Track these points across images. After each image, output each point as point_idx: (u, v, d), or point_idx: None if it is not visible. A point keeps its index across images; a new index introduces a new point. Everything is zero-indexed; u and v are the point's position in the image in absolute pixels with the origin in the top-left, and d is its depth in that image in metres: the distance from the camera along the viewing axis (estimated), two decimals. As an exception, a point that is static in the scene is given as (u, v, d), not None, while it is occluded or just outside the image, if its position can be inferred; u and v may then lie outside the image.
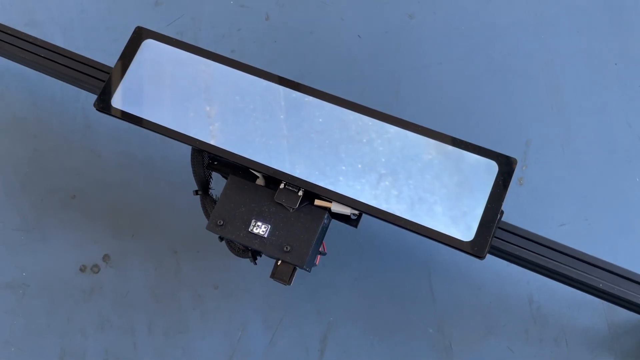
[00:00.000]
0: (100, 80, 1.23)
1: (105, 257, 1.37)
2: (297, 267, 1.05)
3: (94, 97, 1.15)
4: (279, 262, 1.05)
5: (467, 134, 1.38)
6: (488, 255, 1.00)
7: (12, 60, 1.35)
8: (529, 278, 1.27)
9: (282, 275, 1.05)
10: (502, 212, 1.02)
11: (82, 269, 1.37)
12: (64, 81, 1.32)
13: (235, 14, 1.53)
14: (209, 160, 1.14)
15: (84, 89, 1.29)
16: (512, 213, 1.22)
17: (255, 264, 1.15)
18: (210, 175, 1.17)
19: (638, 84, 1.40)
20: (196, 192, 1.17)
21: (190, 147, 1.10)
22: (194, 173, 1.15)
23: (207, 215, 1.16)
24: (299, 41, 1.50)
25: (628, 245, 1.29)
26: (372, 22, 1.50)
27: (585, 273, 1.06)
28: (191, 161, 1.13)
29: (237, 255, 1.15)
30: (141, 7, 1.55)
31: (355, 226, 1.07)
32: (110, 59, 1.41)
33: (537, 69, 1.43)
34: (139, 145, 1.44)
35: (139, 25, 1.16)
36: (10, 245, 1.39)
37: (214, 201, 1.16)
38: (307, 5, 1.52)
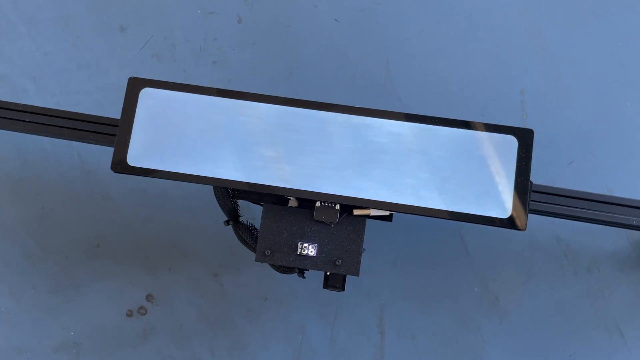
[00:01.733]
0: (100, 134, 1.20)
1: (149, 297, 1.39)
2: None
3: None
4: (328, 273, 1.09)
5: (463, 95, 1.44)
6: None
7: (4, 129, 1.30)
8: (552, 219, 1.36)
9: (335, 283, 1.09)
10: (532, 183, 1.07)
11: (129, 314, 1.38)
12: (63, 139, 1.29)
13: (206, 23, 1.49)
14: (233, 190, 1.14)
15: (85, 142, 1.26)
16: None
17: (304, 277, 1.17)
18: (237, 203, 1.17)
19: (611, 11, 1.46)
20: (227, 223, 1.17)
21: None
22: (220, 205, 1.14)
23: (244, 243, 1.17)
24: (278, 38, 1.48)
25: (634, 167, 1.39)
26: (345, 3, 1.49)
27: (605, 212, 1.13)
28: (215, 195, 1.13)
29: (284, 273, 1.16)
30: (107, 36, 1.49)
31: (390, 220, 1.11)
32: (91, 99, 1.38)
33: (515, 17, 1.47)
34: (147, 180, 1.42)
35: (132, 76, 1.11)
36: (49, 309, 1.39)
37: (248, 227, 1.17)
38: (276, -1, 1.50)
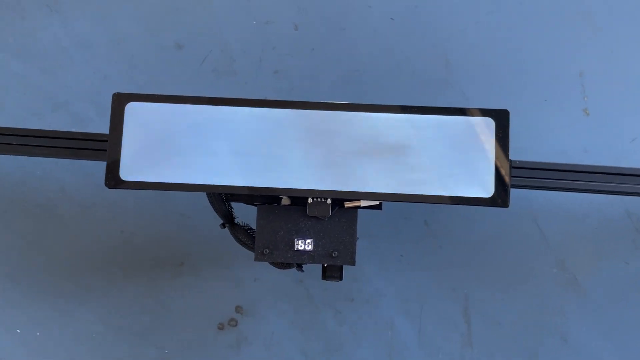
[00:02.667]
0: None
1: (238, 308, 1.42)
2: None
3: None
4: (325, 265, 1.13)
5: (523, 82, 1.47)
6: (582, 188, 1.15)
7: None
8: (622, 196, 1.40)
9: (333, 273, 1.12)
10: (511, 162, 1.08)
11: (221, 327, 1.42)
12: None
13: (263, 33, 1.50)
14: (226, 194, 1.15)
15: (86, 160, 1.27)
16: (591, 143, 1.39)
17: (303, 271, 1.21)
18: (231, 206, 1.19)
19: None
20: (223, 226, 1.19)
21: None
22: (215, 210, 1.17)
23: (242, 243, 1.20)
24: (335, 41, 1.49)
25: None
26: (399, 1, 1.50)
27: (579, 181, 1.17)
28: (209, 200, 1.15)
29: (283, 269, 1.18)
30: (164, 54, 1.49)
31: (380, 209, 1.14)
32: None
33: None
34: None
35: (116, 92, 1.11)
36: (141, 330, 1.41)
37: (244, 228, 1.20)
38: (328, 2, 1.50)
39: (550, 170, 1.19)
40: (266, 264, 1.43)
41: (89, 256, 1.44)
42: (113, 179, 1.08)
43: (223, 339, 1.41)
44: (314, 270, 1.42)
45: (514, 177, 1.14)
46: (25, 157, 1.42)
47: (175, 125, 1.09)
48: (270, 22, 1.50)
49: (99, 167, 1.44)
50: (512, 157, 1.07)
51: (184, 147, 1.08)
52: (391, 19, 1.50)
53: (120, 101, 1.09)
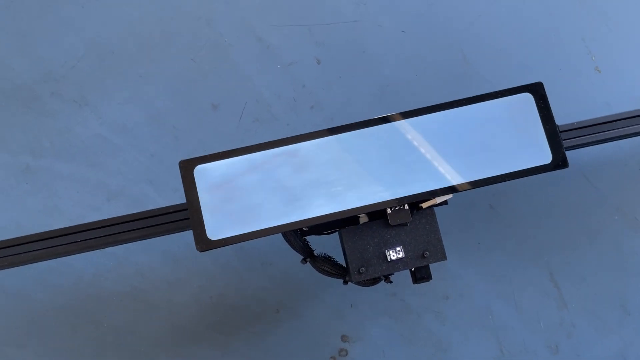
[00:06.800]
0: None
1: (344, 337, 1.45)
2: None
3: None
4: (413, 269, 1.17)
5: (535, 59, 1.59)
6: (626, 134, 1.26)
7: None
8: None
9: (423, 275, 1.17)
10: (558, 126, 1.17)
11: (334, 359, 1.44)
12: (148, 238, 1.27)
13: (289, 74, 1.55)
14: (299, 230, 1.18)
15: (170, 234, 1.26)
16: (610, 96, 1.51)
17: (391, 282, 1.23)
18: (307, 241, 1.22)
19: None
20: (305, 261, 1.22)
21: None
22: (293, 247, 1.20)
23: (327, 273, 1.23)
24: (358, 64, 1.57)
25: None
26: (404, 14, 1.60)
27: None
28: (285, 240, 1.18)
29: (372, 285, 1.23)
30: (203, 117, 1.53)
31: (446, 204, 1.18)
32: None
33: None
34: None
35: (182, 159, 1.16)
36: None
37: (325, 258, 1.23)
38: (341, 31, 1.58)
39: (594, 125, 1.30)
40: (355, 287, 1.47)
41: (187, 329, 1.43)
42: (203, 242, 1.09)
43: (338, 370, 1.44)
44: (402, 280, 1.47)
45: (564, 140, 1.24)
46: (94, 251, 1.41)
47: (244, 176, 1.12)
48: (293, 63, 1.56)
49: (170, 242, 1.46)
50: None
51: (258, 193, 1.11)
52: (402, 31, 1.59)
53: (187, 167, 1.12)
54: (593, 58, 1.59)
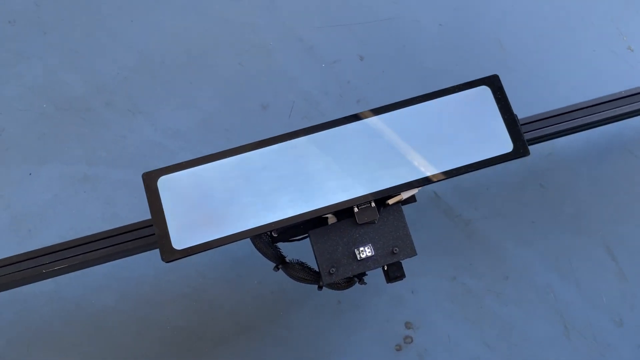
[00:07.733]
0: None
1: (408, 325, 1.45)
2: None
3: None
4: (386, 267, 1.17)
5: (567, 42, 1.63)
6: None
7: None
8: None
9: (396, 273, 1.17)
10: (516, 116, 1.19)
11: (399, 348, 1.44)
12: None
13: (334, 71, 1.60)
14: (268, 237, 1.18)
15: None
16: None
17: (366, 283, 1.24)
18: (278, 248, 1.22)
19: None
20: (277, 268, 1.22)
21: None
22: (264, 254, 1.20)
23: (301, 279, 1.23)
24: (399, 58, 1.62)
25: None
26: (441, 8, 1.65)
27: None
28: (256, 247, 1.18)
29: (345, 289, 1.23)
30: (255, 118, 1.57)
31: (415, 201, 1.20)
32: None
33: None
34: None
35: (145, 172, 1.14)
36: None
37: (298, 264, 1.23)
38: (381, 28, 1.64)
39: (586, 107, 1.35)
40: (415, 273, 1.48)
41: (249, 326, 1.44)
42: (169, 253, 1.09)
43: (405, 357, 1.43)
44: (461, 263, 1.48)
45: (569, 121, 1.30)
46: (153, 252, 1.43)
47: (208, 184, 1.13)
48: (337, 61, 1.61)
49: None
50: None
51: (223, 200, 1.12)
52: (439, 25, 1.64)
53: (150, 179, 1.12)
54: (624, 38, 1.64)
